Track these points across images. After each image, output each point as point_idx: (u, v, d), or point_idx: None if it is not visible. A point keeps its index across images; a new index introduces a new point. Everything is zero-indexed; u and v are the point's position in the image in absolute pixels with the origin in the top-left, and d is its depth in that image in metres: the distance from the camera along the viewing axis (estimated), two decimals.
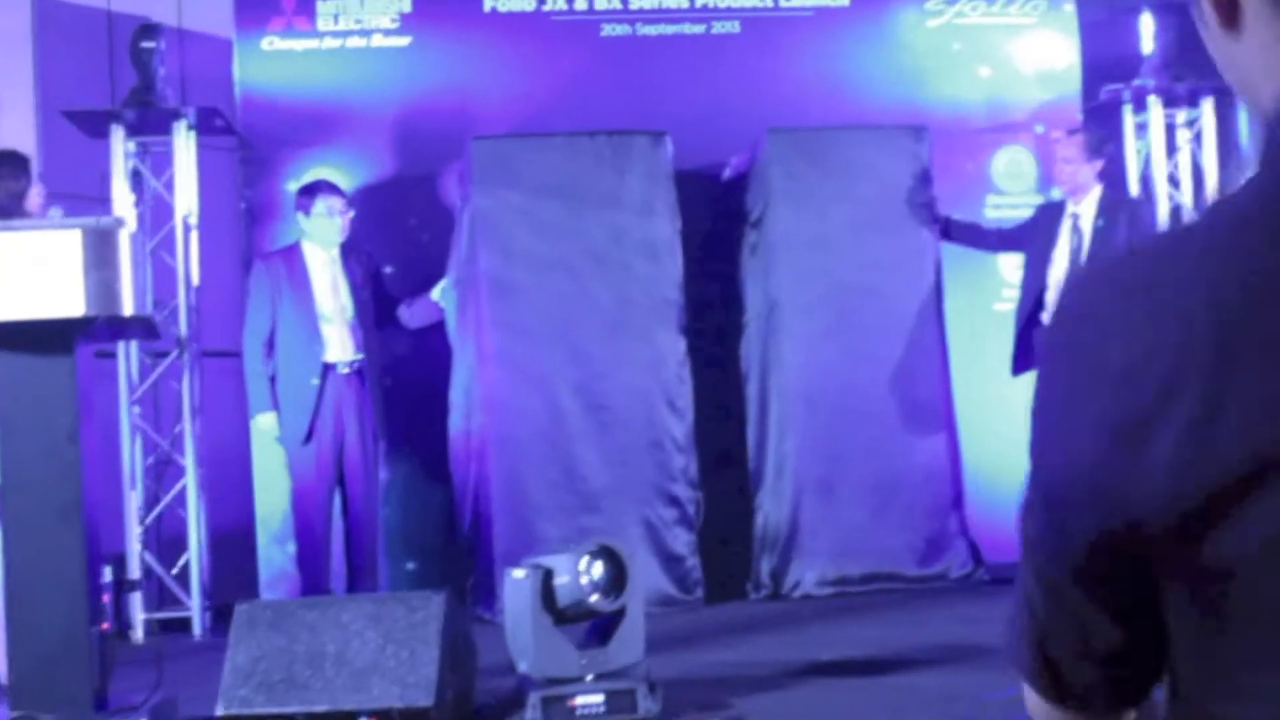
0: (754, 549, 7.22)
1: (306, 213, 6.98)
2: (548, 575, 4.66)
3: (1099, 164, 7.01)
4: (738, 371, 7.43)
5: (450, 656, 4.66)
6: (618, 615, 4.72)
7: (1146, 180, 7.92)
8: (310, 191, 7.03)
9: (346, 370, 6.91)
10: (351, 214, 7.06)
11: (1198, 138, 8.03)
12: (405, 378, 7.51)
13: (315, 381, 6.85)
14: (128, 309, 4.67)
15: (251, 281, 7.06)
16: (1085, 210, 6.98)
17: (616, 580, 4.68)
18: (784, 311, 7.23)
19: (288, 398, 6.88)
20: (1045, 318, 7.05)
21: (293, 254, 7.03)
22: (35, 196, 6.01)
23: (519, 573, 4.72)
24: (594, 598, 4.64)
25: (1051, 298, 6.82)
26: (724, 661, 5.58)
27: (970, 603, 6.50)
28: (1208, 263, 1.00)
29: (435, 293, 7.15)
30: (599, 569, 4.68)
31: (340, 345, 6.92)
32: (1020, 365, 7.02)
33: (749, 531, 7.23)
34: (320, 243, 6.98)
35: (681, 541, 6.98)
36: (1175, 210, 7.92)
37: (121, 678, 4.69)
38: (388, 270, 7.55)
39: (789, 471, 7.15)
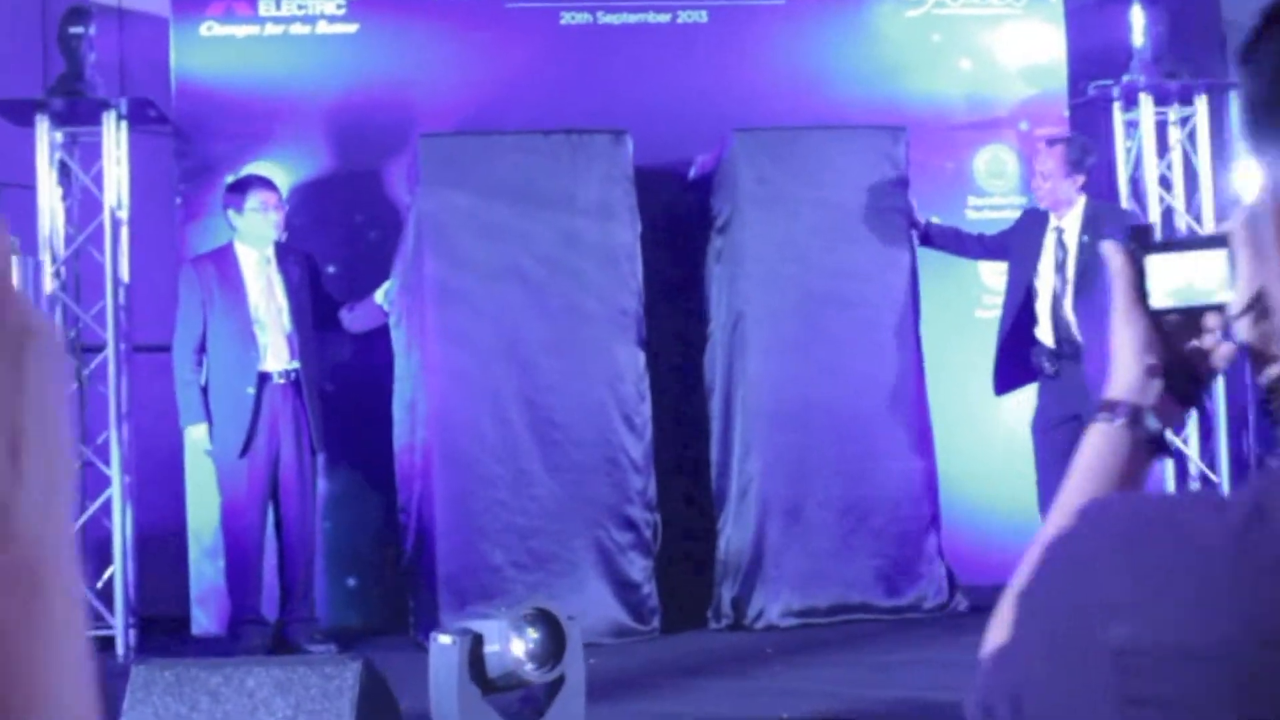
0: (715, 576, 6.74)
1: (239, 210, 6.49)
2: (477, 642, 4.20)
3: (1080, 179, 6.52)
4: (701, 386, 6.94)
5: None
6: (555, 684, 4.26)
7: (1136, 183, 7.44)
8: (241, 187, 6.55)
9: (282, 380, 6.45)
10: (286, 210, 6.58)
11: (1191, 137, 7.56)
12: (348, 384, 7.06)
13: (250, 391, 6.39)
14: None
15: (181, 285, 6.58)
16: (1069, 224, 6.51)
17: (553, 648, 4.22)
18: (750, 322, 6.74)
19: (221, 408, 6.42)
20: (1037, 334, 6.78)
21: (224, 256, 6.54)
22: None
23: (445, 639, 4.26)
24: (527, 668, 4.18)
25: (1041, 310, 6.43)
26: (674, 715, 5.12)
27: (944, 639, 6.02)
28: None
29: (379, 295, 6.67)
30: (534, 635, 4.22)
31: (276, 353, 6.45)
32: (1003, 383, 6.58)
33: (710, 557, 6.75)
34: (253, 242, 6.50)
35: (637, 567, 6.51)
36: (1166, 213, 7.45)
37: None
38: (330, 270, 7.07)
39: (754, 493, 6.66)
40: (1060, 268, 6.44)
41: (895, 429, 6.79)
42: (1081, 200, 6.52)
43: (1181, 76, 7.40)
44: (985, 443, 7.28)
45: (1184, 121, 7.58)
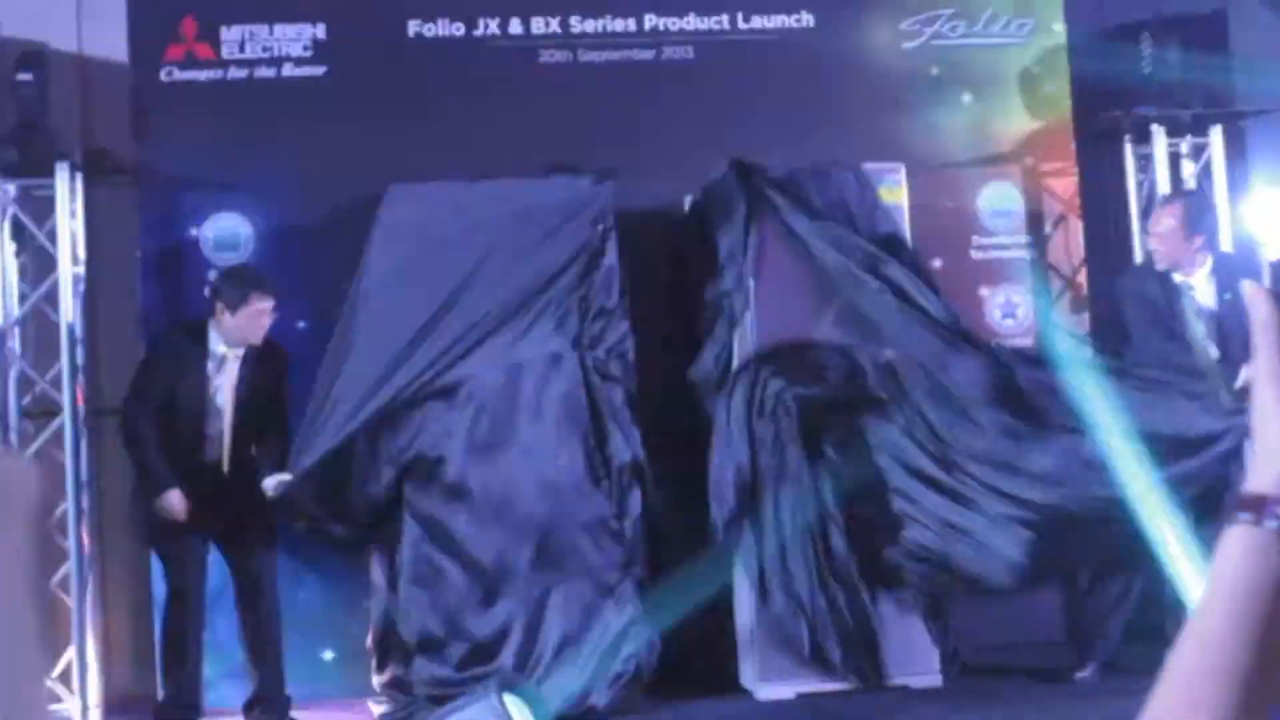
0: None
1: (232, 309, 5.96)
2: None
3: (1199, 240, 6.07)
4: (698, 442, 6.49)
5: None
6: None
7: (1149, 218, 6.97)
8: (241, 285, 6.01)
9: (226, 472, 6.02)
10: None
11: (1206, 169, 7.12)
12: None
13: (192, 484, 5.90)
14: None
15: (152, 351, 6.16)
16: (1199, 282, 6.05)
17: None
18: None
19: None
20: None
21: (199, 339, 6.04)
22: None
23: None
24: None
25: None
26: None
27: None
28: None
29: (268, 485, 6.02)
30: None
31: (227, 448, 6.01)
32: None
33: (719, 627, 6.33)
34: (229, 338, 6.02)
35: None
36: None
37: None
38: (301, 326, 6.66)
39: None
40: (1218, 339, 5.97)
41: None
42: (1209, 258, 6.08)
43: (1194, 107, 7.00)
44: None
45: (1198, 153, 7.16)
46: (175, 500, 5.83)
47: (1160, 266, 6.13)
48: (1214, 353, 5.98)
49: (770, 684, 6.27)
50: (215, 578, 6.07)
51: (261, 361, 6.06)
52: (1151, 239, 6.26)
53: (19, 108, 6.27)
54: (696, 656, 6.35)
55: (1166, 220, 6.12)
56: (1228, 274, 6.03)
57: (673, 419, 6.52)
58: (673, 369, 6.52)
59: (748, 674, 6.37)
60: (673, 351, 6.59)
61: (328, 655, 6.62)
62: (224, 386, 5.97)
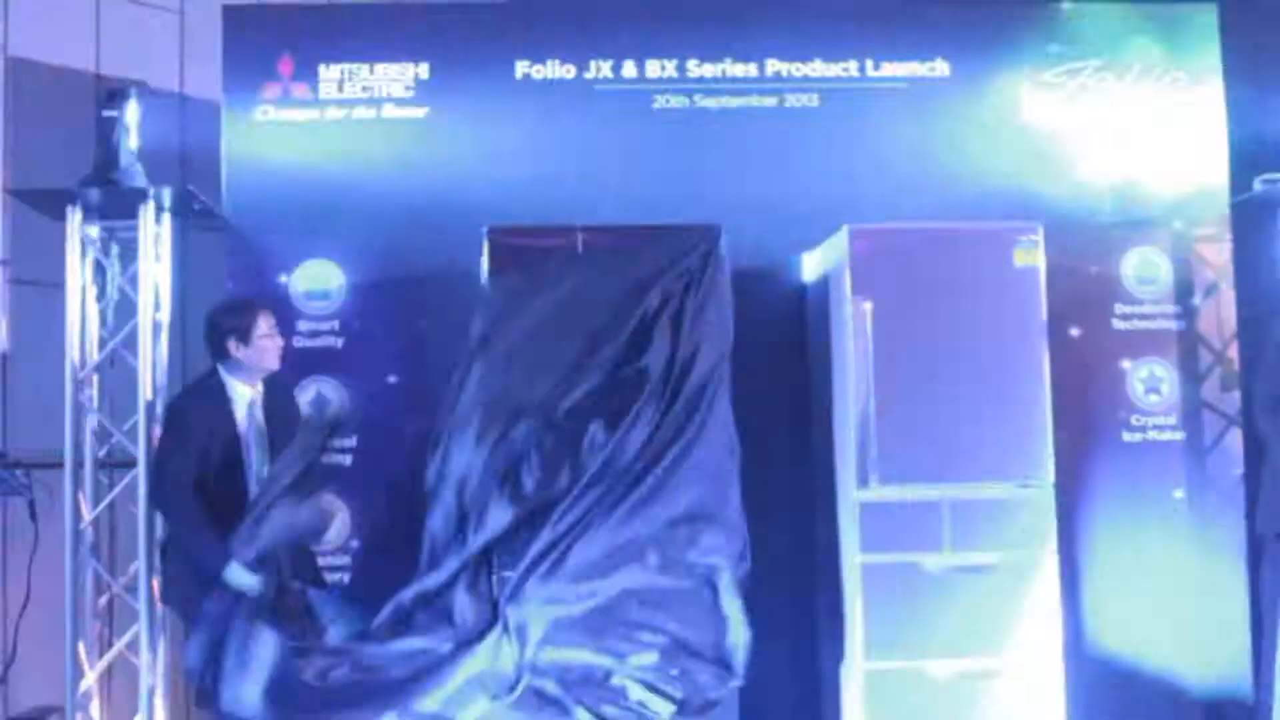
0: None
1: (243, 339, 5.57)
2: None
3: None
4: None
5: None
6: None
7: None
8: (245, 312, 5.63)
9: None
10: None
11: None
12: None
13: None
14: None
15: (176, 418, 5.61)
16: None
17: None
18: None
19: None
20: None
21: (215, 396, 5.60)
22: None
23: None
24: None
25: None
26: None
27: None
28: None
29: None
30: None
31: None
32: None
33: None
34: (248, 376, 5.61)
35: None
36: None
37: None
38: (391, 380, 6.22)
39: None
40: None
41: None
42: None
43: None
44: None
45: None
46: (243, 576, 5.28)
47: None
48: None
49: None
50: None
51: (280, 397, 5.73)
52: None
53: (100, 147, 5.91)
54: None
55: None
56: None
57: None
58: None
59: None
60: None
61: None
62: (258, 432, 5.59)
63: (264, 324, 5.60)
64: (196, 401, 5.61)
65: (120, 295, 6.13)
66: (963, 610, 5.77)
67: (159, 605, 5.85)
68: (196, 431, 5.49)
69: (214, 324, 5.64)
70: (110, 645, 6.00)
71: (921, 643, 5.76)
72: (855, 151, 6.56)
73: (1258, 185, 6.49)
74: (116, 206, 5.97)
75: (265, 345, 5.60)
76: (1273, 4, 6.81)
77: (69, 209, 5.90)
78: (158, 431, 5.90)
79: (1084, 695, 6.05)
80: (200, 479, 5.43)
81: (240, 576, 5.31)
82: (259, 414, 5.62)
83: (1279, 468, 5.79)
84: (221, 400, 5.57)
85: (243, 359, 5.59)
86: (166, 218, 6.09)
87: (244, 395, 5.60)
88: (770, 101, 6.61)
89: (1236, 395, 6.56)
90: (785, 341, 6.43)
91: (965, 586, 5.77)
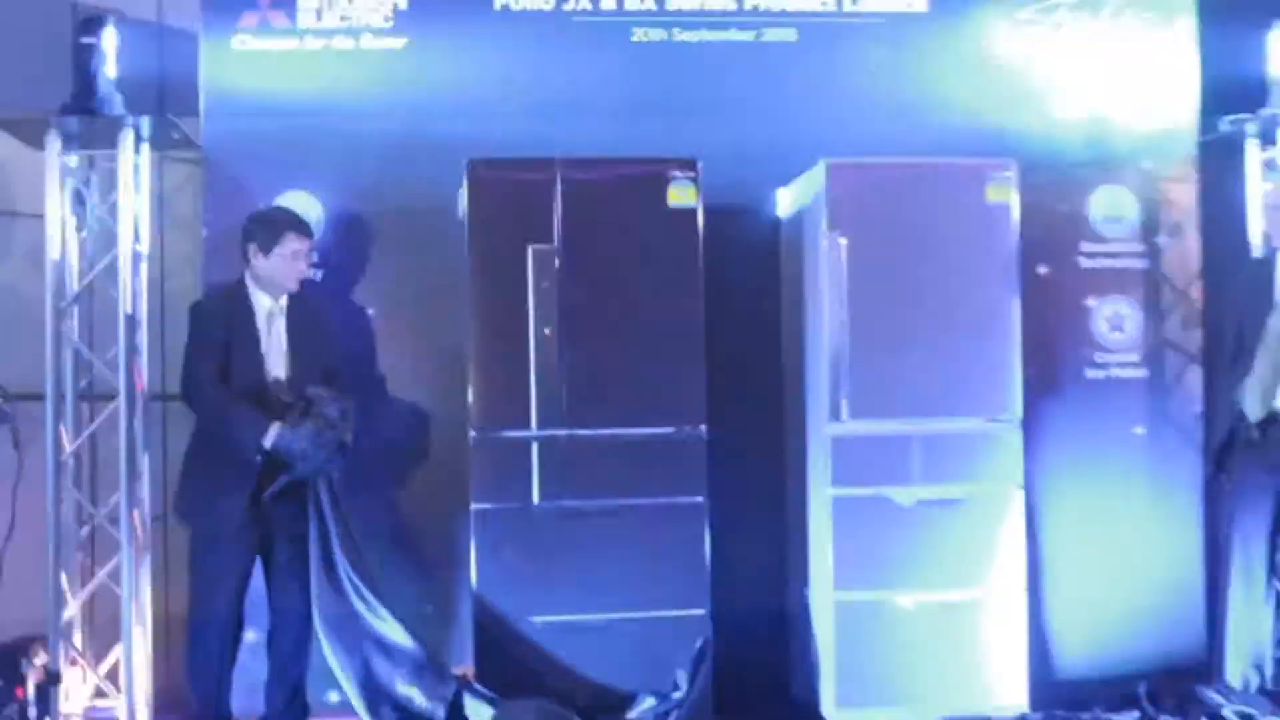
0: None
1: (265, 251, 5.55)
2: None
3: None
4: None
5: None
6: None
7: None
8: (274, 226, 5.58)
9: None
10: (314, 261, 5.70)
11: None
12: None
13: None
14: None
15: (197, 318, 5.60)
16: None
17: None
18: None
19: (225, 470, 5.41)
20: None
21: (238, 298, 5.57)
22: None
23: None
24: None
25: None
26: None
27: None
28: None
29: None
30: None
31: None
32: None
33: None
34: (271, 289, 5.57)
35: None
36: None
37: None
38: (370, 313, 6.25)
39: None
40: None
41: None
42: None
43: None
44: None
45: None
46: (275, 431, 5.32)
47: (1277, 243, 5.74)
48: None
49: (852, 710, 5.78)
50: None
51: (306, 315, 5.63)
52: (1268, 211, 5.73)
53: (78, 75, 5.77)
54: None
55: None
56: None
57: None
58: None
59: (827, 699, 5.86)
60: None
61: None
62: (277, 341, 5.51)
63: (291, 243, 5.52)
64: (219, 303, 5.59)
65: (99, 226, 6.03)
66: (931, 543, 5.82)
67: (138, 534, 5.82)
68: (217, 329, 5.46)
69: (246, 228, 5.60)
70: (92, 575, 5.96)
71: (890, 574, 5.81)
72: (832, 87, 6.50)
73: (1224, 126, 6.49)
74: (96, 135, 5.85)
75: (282, 265, 5.51)
76: None
77: (47, 137, 5.78)
78: (138, 362, 5.86)
79: (1047, 625, 6.14)
80: (222, 374, 5.41)
81: (283, 439, 5.31)
82: (279, 325, 5.53)
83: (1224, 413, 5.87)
84: (244, 305, 5.50)
85: (260, 270, 5.53)
86: (146, 148, 5.97)
87: (265, 305, 5.52)
88: (748, 36, 6.53)
89: (1198, 334, 6.59)
90: (759, 276, 6.41)
91: (933, 520, 5.82)
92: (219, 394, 5.43)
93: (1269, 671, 5.74)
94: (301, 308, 5.64)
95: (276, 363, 5.50)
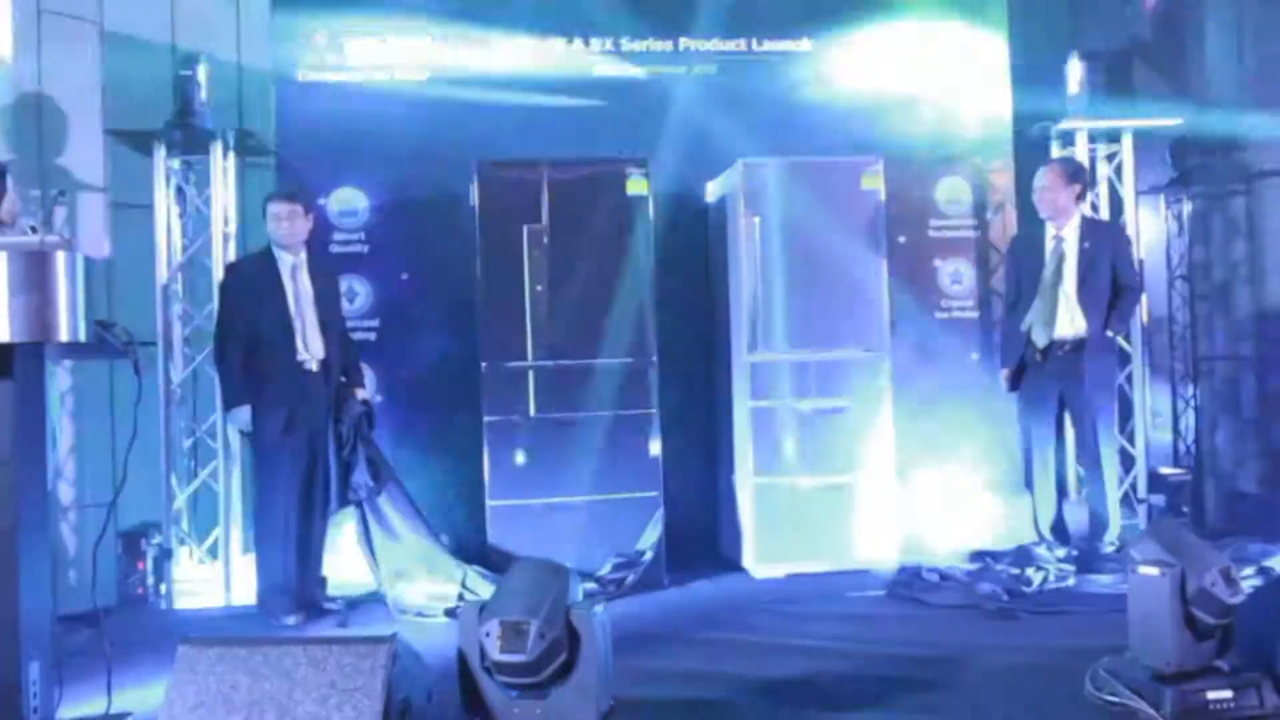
0: None
1: (265, 217, 5.15)
2: None
3: (1076, 188, 5.43)
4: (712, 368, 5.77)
5: (399, 709, 3.04)
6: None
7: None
8: (266, 199, 5.20)
9: (317, 368, 5.05)
10: (305, 223, 5.15)
11: (1118, 171, 6.32)
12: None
13: (288, 378, 5.00)
14: (63, 334, 3.03)
15: (224, 283, 5.21)
16: (1069, 234, 5.36)
17: None
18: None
19: (266, 393, 4.99)
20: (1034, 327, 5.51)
21: (264, 256, 5.15)
22: (8, 205, 4.14)
23: None
24: None
25: (1043, 307, 5.40)
26: None
27: None
28: None
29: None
30: None
31: (310, 345, 5.05)
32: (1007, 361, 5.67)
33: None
34: (282, 248, 5.12)
35: None
36: None
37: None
38: (404, 277, 5.99)
39: None
40: (1058, 266, 5.38)
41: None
42: (1079, 214, 5.41)
43: (1111, 119, 6.19)
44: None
45: (1111, 158, 6.36)
46: (245, 415, 4.96)
47: (1044, 215, 5.47)
48: (1073, 286, 5.40)
49: (766, 565, 5.59)
50: None
51: (321, 267, 5.25)
52: (1036, 194, 5.49)
53: (181, 99, 5.48)
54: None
55: (1047, 176, 5.47)
56: (1094, 232, 5.45)
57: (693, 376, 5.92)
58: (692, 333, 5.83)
59: (748, 557, 5.67)
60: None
61: None
62: (302, 288, 5.08)
63: (272, 207, 5.10)
64: (245, 265, 5.21)
65: (196, 213, 5.75)
66: (823, 440, 5.63)
67: (231, 446, 5.55)
68: (242, 288, 5.06)
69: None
70: (196, 475, 5.71)
71: (793, 464, 5.63)
72: (745, 106, 6.26)
73: (1033, 131, 6.31)
74: (193, 144, 5.57)
75: (272, 224, 5.08)
76: None
77: (155, 146, 5.49)
78: None
79: (908, 503, 5.98)
80: (251, 322, 5.00)
81: (238, 419, 4.99)
82: (302, 275, 5.12)
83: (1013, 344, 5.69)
84: (268, 263, 5.10)
85: (269, 232, 5.14)
86: (231, 154, 5.69)
87: (287, 261, 5.11)
88: (681, 69, 6.30)
89: None
90: (695, 246, 6.19)
91: (825, 423, 5.64)
92: (228, 364, 5.00)
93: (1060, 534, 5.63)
94: (318, 264, 5.26)
95: (305, 305, 5.08)
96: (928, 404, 6.18)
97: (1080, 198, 5.46)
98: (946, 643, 4.30)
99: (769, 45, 6.35)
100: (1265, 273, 6.37)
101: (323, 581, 5.18)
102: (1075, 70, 6.20)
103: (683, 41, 6.30)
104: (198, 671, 3.08)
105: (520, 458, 5.48)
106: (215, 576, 5.46)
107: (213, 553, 5.59)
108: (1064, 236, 5.43)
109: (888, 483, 5.69)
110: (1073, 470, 5.86)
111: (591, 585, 5.17)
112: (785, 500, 5.61)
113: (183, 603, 5.38)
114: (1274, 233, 6.35)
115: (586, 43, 6.23)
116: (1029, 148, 6.35)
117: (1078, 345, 5.40)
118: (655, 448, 5.55)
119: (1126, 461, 6.09)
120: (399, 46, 6.10)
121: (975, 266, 6.44)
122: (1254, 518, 6.10)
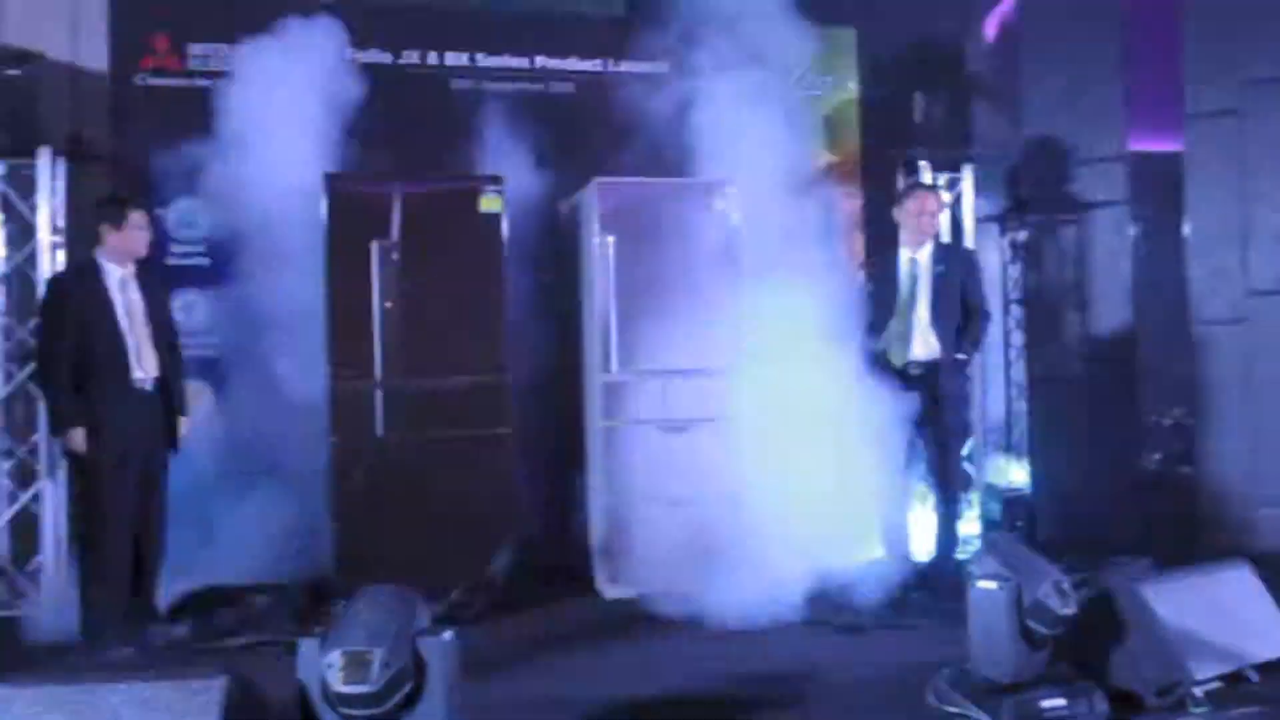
0: None
1: (117, 225, 4.72)
2: None
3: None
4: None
5: None
6: None
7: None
8: (121, 204, 4.76)
9: (149, 387, 4.72)
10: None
11: (958, 198, 6.42)
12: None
13: (122, 400, 4.66)
14: None
15: (48, 299, 4.75)
16: (922, 257, 5.35)
17: None
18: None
19: (96, 414, 4.63)
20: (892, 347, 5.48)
21: (90, 271, 4.74)
22: None
23: None
24: None
25: (898, 328, 5.35)
26: None
27: None
28: None
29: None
30: None
31: (143, 362, 4.71)
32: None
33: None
34: (119, 259, 4.75)
35: None
36: None
37: None
38: (245, 293, 5.60)
39: None
40: (912, 287, 5.36)
41: None
42: (930, 241, 5.43)
43: (953, 149, 6.29)
44: None
45: (953, 185, 6.45)
46: (79, 437, 4.57)
47: (921, 236, 5.41)
48: (926, 306, 5.38)
49: (617, 586, 5.45)
50: None
51: (151, 277, 4.88)
52: (923, 217, 5.46)
53: (7, 99, 5.08)
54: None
55: (935, 201, 5.49)
56: (947, 255, 5.46)
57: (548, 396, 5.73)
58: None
59: (601, 577, 5.52)
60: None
61: None
62: (133, 303, 4.72)
63: (137, 216, 4.75)
64: (68, 279, 4.77)
65: (21, 221, 5.34)
66: (675, 460, 5.49)
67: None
68: (69, 304, 4.64)
69: (95, 211, 4.79)
70: (17, 499, 5.28)
71: (645, 484, 5.49)
72: (600, 125, 6.13)
73: (883, 157, 6.37)
74: (19, 149, 5.16)
75: (131, 236, 4.72)
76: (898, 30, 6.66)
77: None
78: None
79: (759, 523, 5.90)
80: (80, 340, 4.60)
81: (73, 441, 4.59)
82: (132, 289, 4.74)
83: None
84: (95, 277, 4.69)
85: (114, 243, 4.71)
86: (61, 160, 5.30)
87: (116, 274, 4.72)
88: (539, 87, 6.15)
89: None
90: (549, 264, 6.02)
91: (677, 443, 5.52)
92: (55, 384, 4.61)
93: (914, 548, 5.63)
94: (148, 274, 4.87)
95: (138, 320, 4.72)
96: (780, 426, 6.12)
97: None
98: (795, 659, 4.26)
99: (625, 66, 6.25)
100: (1094, 298, 6.55)
101: (155, 611, 4.82)
102: (919, 100, 6.26)
103: (540, 60, 6.16)
104: (13, 714, 2.77)
105: (367, 478, 5.22)
106: (37, 605, 5.04)
107: (33, 579, 5.17)
108: (918, 259, 5.46)
109: (739, 503, 5.60)
110: (920, 486, 5.87)
111: (441, 610, 4.94)
112: (637, 521, 5.48)
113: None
114: (1102, 260, 6.54)
115: (441, 57, 6.02)
116: (877, 174, 6.39)
117: (932, 366, 5.43)
118: (508, 468, 5.36)
119: (964, 479, 6.15)
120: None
121: None
122: (1085, 532, 6.24)
